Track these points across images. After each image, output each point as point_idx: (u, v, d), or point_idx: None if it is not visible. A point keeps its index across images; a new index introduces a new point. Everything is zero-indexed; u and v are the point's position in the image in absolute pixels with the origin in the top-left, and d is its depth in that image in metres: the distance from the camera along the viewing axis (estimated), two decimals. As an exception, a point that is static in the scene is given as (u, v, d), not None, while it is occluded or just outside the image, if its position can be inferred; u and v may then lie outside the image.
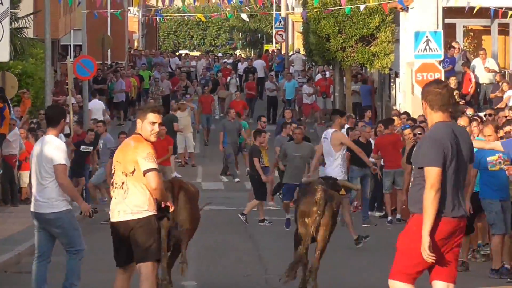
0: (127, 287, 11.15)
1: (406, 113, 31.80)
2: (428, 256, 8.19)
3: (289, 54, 64.27)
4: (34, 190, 12.09)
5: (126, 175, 10.82)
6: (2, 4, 24.79)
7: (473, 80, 35.56)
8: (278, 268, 17.31)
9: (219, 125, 38.57)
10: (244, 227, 25.51)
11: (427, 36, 36.63)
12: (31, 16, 40.09)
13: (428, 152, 8.53)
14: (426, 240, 8.13)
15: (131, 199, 10.86)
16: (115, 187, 10.92)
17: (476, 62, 36.80)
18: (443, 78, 35.16)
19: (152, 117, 10.31)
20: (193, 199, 15.29)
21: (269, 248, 21.75)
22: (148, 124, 10.40)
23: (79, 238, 12.27)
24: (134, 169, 10.82)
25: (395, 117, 31.11)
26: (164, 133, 30.73)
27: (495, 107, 29.68)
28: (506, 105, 29.92)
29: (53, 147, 11.76)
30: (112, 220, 11.02)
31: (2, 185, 29.95)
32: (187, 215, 14.76)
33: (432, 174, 8.41)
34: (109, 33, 56.46)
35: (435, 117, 8.78)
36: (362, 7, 39.88)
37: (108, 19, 55.42)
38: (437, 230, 8.45)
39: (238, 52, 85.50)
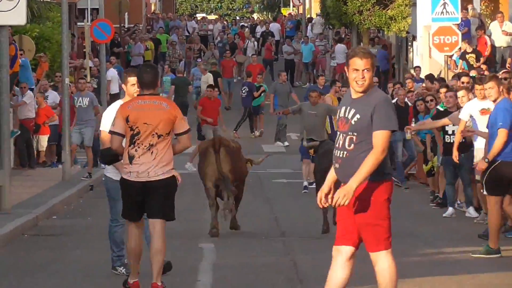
0: (141, 241, 11.44)
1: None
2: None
3: (307, 17, 65.03)
4: None
5: (158, 137, 10.93)
6: None
7: (488, 43, 35.48)
8: (294, 230, 18.35)
9: (270, 88, 38.57)
10: (260, 189, 25.66)
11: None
12: None
13: (393, 115, 8.36)
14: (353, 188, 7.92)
15: (163, 160, 11.07)
16: (141, 149, 11.03)
17: (494, 25, 36.81)
18: (460, 41, 35.58)
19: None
20: (235, 153, 16.66)
21: (286, 210, 22.10)
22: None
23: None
24: (170, 130, 11.07)
25: (409, 80, 31.04)
26: (215, 95, 32.46)
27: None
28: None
29: None
30: (136, 180, 11.13)
31: (19, 148, 30.00)
32: (229, 167, 16.19)
33: (387, 137, 8.27)
34: (126, -4, 56.75)
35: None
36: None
37: (125, -18, 55.67)
38: (390, 192, 8.34)
39: (255, 15, 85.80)
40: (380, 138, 8.15)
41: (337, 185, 8.51)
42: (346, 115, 8.33)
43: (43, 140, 32.57)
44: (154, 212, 11.15)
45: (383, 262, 8.24)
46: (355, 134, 8.28)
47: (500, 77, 20.56)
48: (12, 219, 19.33)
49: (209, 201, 17.79)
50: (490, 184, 14.43)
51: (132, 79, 12.09)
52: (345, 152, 8.35)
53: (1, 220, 18.94)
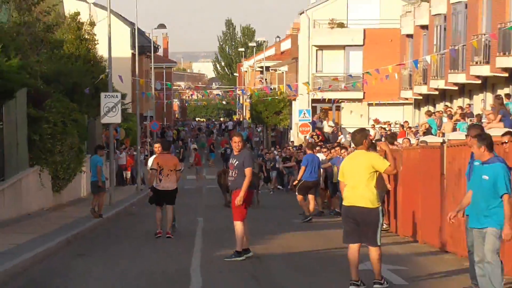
0: (161, 215, 20.18)
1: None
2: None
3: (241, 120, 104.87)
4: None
5: (170, 171, 20.20)
6: (117, 96, 31.85)
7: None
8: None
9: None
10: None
11: (304, 111, 52.91)
12: (130, 103, 55.08)
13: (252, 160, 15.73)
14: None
15: (172, 180, 20.27)
16: (164, 176, 19.95)
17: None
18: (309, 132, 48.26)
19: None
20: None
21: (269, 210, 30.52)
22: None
23: None
24: (175, 168, 20.21)
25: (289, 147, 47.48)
26: (199, 157, 50.94)
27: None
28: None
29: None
30: (161, 189, 19.92)
31: (117, 177, 41.13)
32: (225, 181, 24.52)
33: (250, 171, 15.47)
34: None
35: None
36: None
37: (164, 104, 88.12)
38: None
39: (221, 118, 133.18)
40: (248, 171, 15.00)
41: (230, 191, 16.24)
42: (232, 162, 15.58)
43: (128, 173, 48.62)
44: (168, 202, 20.03)
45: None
46: (236, 169, 15.53)
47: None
48: (114, 208, 28.93)
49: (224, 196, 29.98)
50: None
51: (157, 145, 20.90)
52: (233, 176, 15.61)
53: (111, 208, 28.18)
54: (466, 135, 13.72)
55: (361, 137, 12.81)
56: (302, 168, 24.91)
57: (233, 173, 15.89)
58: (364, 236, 12.43)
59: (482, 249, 11.15)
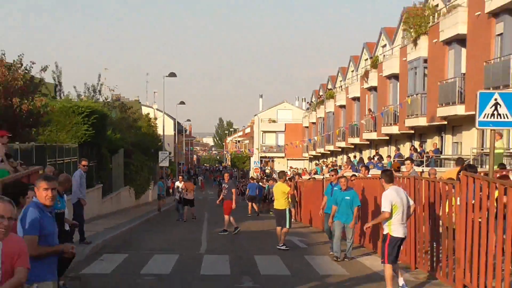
0: (186, 211, 34.48)
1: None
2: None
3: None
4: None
5: (189, 192, 34.95)
6: (166, 153, 59.64)
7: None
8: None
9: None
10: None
11: (256, 162, 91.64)
12: (172, 156, 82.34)
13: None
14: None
15: (191, 196, 34.88)
16: (187, 193, 34.64)
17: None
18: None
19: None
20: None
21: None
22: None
23: None
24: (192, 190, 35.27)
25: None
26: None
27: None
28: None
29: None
30: (185, 197, 34.75)
31: (166, 192, 56.54)
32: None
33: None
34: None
35: None
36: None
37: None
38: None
39: (217, 164, 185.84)
40: (234, 191, 26.71)
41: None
42: (225, 185, 26.89)
43: (170, 190, 64.66)
44: (191, 205, 34.54)
45: None
46: (227, 190, 26.69)
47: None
48: (164, 207, 43.71)
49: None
50: None
51: (181, 177, 40.88)
52: (225, 193, 26.79)
53: (164, 207, 43.21)
54: (331, 175, 24.14)
55: (282, 175, 23.00)
56: (247, 190, 44.32)
57: (225, 191, 27.45)
58: (281, 222, 22.13)
59: (340, 233, 19.14)
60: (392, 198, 13.38)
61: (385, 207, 13.32)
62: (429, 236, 15.85)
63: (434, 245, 15.59)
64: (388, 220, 13.36)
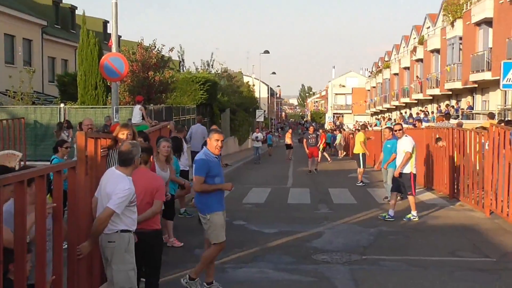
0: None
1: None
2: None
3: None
4: None
5: None
6: (262, 110, 63.91)
7: None
8: None
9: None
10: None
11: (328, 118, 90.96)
12: (265, 112, 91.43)
13: None
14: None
15: None
16: None
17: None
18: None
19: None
20: None
21: None
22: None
23: None
24: None
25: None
26: None
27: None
28: None
29: None
30: None
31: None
32: None
33: None
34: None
35: None
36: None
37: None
38: None
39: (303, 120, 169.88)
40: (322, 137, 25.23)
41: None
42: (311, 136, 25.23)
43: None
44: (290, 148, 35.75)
45: None
46: (315, 139, 25.10)
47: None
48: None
49: None
50: None
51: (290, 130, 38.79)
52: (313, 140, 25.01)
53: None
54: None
55: (364, 127, 21.79)
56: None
57: (313, 140, 25.26)
58: (358, 163, 20.74)
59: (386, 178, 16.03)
60: (414, 142, 13.44)
61: (409, 148, 13.16)
62: (464, 173, 15.42)
63: (467, 180, 15.23)
64: (411, 160, 13.15)
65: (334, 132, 46.86)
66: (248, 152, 44.13)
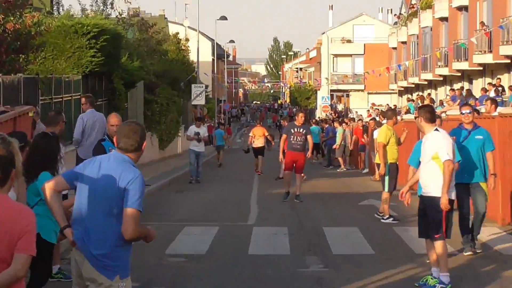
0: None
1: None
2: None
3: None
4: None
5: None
6: (202, 86, 38.40)
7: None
8: None
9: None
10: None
11: (325, 97, 65.60)
12: (210, 91, 58.94)
13: None
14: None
15: None
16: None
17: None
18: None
19: None
20: None
21: None
22: None
23: None
24: None
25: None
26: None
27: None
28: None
29: None
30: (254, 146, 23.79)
31: None
32: None
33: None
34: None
35: None
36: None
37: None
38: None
39: (271, 101, 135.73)
40: (310, 138, 17.57)
41: None
42: (298, 130, 15.82)
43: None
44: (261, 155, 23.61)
45: None
46: (303, 135, 16.04)
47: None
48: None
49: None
50: None
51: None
52: (301, 140, 15.72)
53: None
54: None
55: (392, 114, 14.78)
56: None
57: (299, 138, 16.40)
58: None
59: None
60: (452, 141, 8.49)
61: (448, 153, 8.06)
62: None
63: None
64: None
65: (333, 124, 32.20)
66: (179, 161, 29.42)
